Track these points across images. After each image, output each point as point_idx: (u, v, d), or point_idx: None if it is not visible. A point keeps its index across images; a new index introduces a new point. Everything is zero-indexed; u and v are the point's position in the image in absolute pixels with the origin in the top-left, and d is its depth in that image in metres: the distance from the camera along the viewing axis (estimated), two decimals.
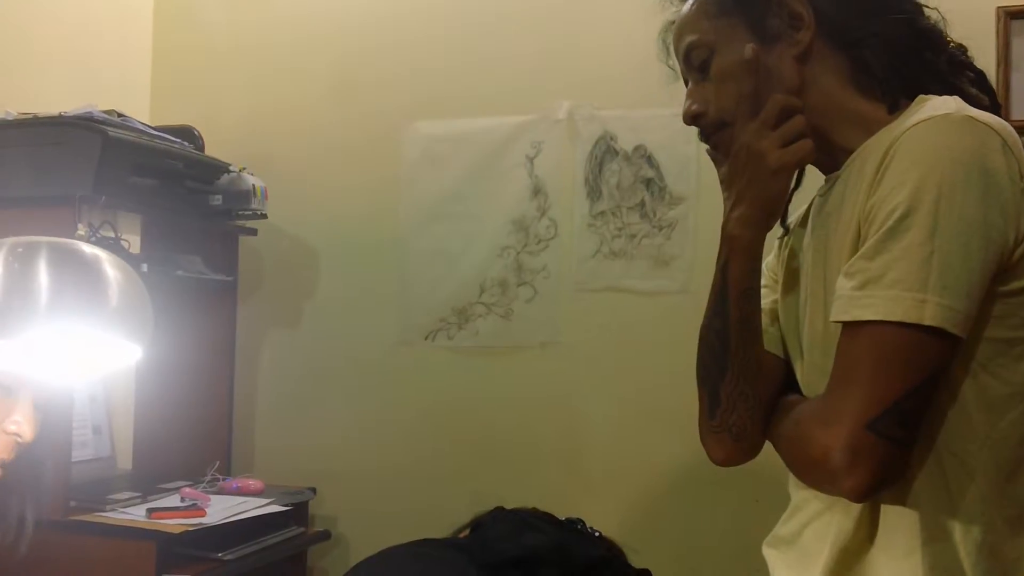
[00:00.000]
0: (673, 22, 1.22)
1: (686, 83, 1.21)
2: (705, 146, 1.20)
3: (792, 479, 1.14)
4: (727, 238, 1.12)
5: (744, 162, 1.09)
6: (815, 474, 1.02)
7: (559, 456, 2.43)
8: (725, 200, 1.14)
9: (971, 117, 0.97)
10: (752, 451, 1.14)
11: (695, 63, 1.15)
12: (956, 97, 1.04)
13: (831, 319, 1.00)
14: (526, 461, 2.45)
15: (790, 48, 1.11)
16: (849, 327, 0.97)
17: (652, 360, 2.35)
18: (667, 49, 1.24)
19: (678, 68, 1.22)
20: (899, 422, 0.93)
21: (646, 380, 2.36)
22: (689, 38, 1.15)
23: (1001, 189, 0.94)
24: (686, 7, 1.18)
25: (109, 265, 1.32)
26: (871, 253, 0.95)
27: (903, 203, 0.94)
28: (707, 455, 1.18)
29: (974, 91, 1.11)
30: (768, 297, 1.22)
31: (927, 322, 0.92)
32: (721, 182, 1.17)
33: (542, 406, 2.45)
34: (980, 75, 1.14)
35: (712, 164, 1.20)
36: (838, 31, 1.11)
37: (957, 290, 0.92)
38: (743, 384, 1.11)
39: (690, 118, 1.17)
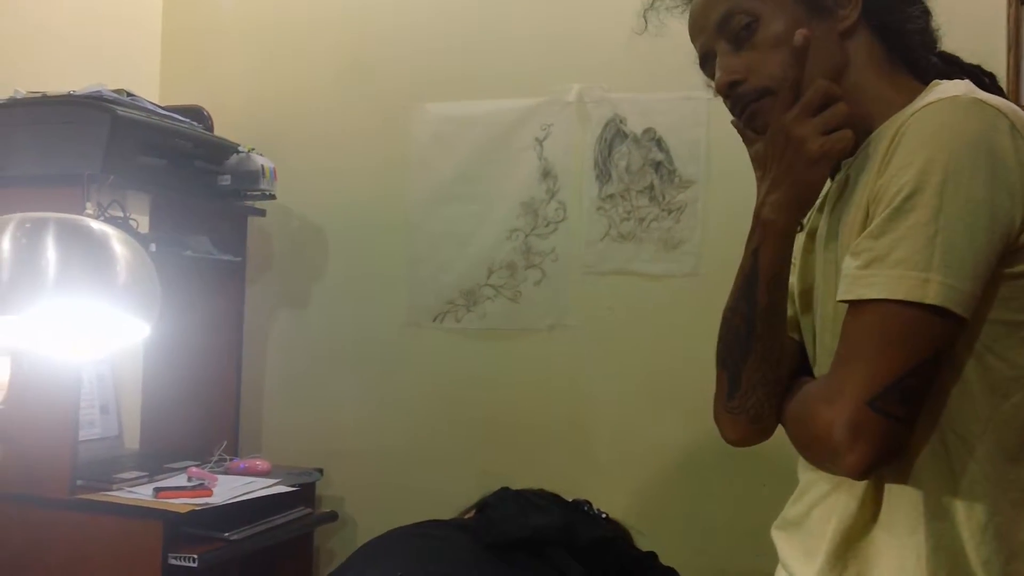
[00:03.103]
0: None
1: (703, 61, 1.19)
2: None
3: (801, 461, 1.14)
4: (761, 223, 1.10)
5: (783, 147, 1.08)
6: (818, 451, 1.01)
7: (566, 438, 2.43)
8: (759, 181, 1.13)
9: (979, 99, 0.97)
10: (766, 433, 1.14)
11: (733, 30, 1.12)
12: (967, 81, 1.05)
13: (837, 298, 1.00)
14: (533, 443, 2.45)
15: (836, 23, 1.11)
16: (854, 306, 0.97)
17: (660, 343, 2.35)
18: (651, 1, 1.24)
19: (649, 19, 1.24)
20: (900, 400, 0.93)
21: (654, 363, 2.36)
22: (724, 6, 1.13)
23: (1008, 170, 0.94)
24: None
25: (117, 242, 1.32)
26: (877, 232, 0.96)
27: (909, 183, 0.94)
28: (720, 434, 1.18)
29: (987, 80, 1.12)
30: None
31: (930, 301, 0.92)
32: (752, 160, 1.15)
33: (550, 388, 2.45)
34: (991, 77, 1.16)
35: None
36: (878, 12, 1.11)
37: (961, 270, 0.92)
38: (765, 369, 1.10)
39: (726, 87, 1.14)
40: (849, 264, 0.98)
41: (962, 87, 1.01)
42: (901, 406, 0.93)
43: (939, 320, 0.92)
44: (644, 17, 1.26)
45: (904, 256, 0.93)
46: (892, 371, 0.93)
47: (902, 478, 1.00)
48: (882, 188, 0.97)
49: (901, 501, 1.00)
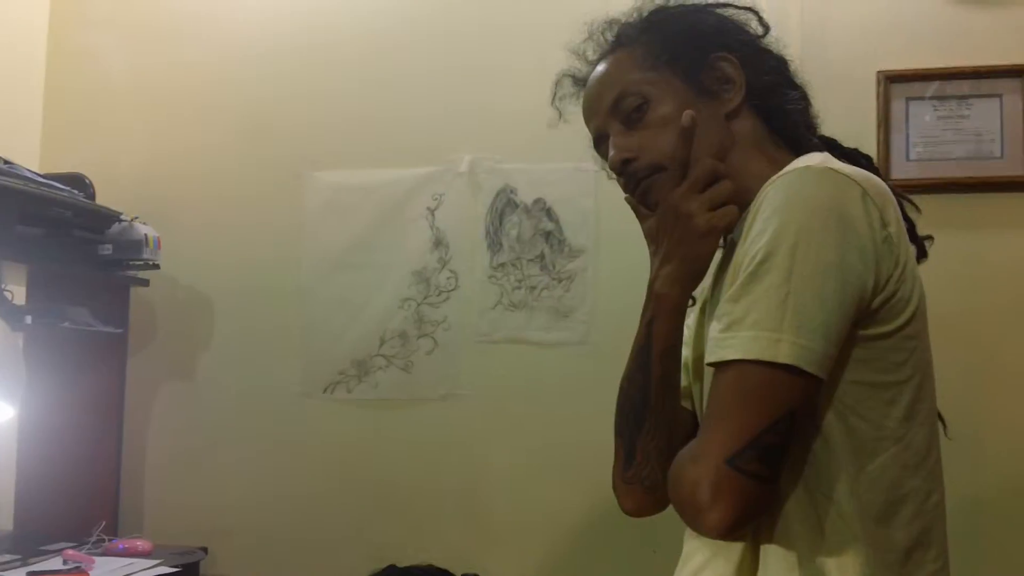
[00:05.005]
0: (569, 74, 1.27)
1: (597, 143, 1.24)
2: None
3: (686, 529, 1.14)
4: (655, 296, 1.14)
5: (673, 222, 1.12)
6: (686, 511, 1.01)
7: (461, 509, 2.41)
8: (652, 255, 1.17)
9: (830, 168, 1.01)
10: (662, 503, 1.14)
11: (625, 111, 1.18)
12: (826, 153, 1.11)
13: (705, 363, 1.03)
14: (428, 515, 2.41)
15: (722, 106, 1.17)
16: (717, 368, 1.00)
17: (553, 411, 2.36)
18: (555, 91, 1.30)
19: (562, 110, 1.29)
20: (758, 458, 0.94)
21: (547, 431, 2.36)
22: (617, 89, 1.18)
23: (859, 235, 0.98)
24: (605, 65, 1.22)
25: None
26: (735, 296, 0.99)
27: (763, 248, 0.97)
28: (618, 504, 1.19)
29: (863, 162, 1.18)
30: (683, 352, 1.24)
31: (781, 360, 0.94)
32: (645, 235, 1.20)
33: (444, 459, 2.43)
34: (868, 159, 1.22)
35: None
36: (760, 95, 1.18)
37: (812, 330, 0.95)
38: (659, 438, 1.12)
39: (619, 165, 1.19)
40: (714, 328, 1.01)
41: (817, 158, 1.07)
42: (760, 464, 0.94)
43: (792, 379, 0.95)
44: (556, 107, 1.31)
45: (758, 318, 0.96)
46: (749, 429, 0.94)
47: (776, 540, 1.01)
48: (743, 255, 1.01)
49: (776, 564, 1.01)
